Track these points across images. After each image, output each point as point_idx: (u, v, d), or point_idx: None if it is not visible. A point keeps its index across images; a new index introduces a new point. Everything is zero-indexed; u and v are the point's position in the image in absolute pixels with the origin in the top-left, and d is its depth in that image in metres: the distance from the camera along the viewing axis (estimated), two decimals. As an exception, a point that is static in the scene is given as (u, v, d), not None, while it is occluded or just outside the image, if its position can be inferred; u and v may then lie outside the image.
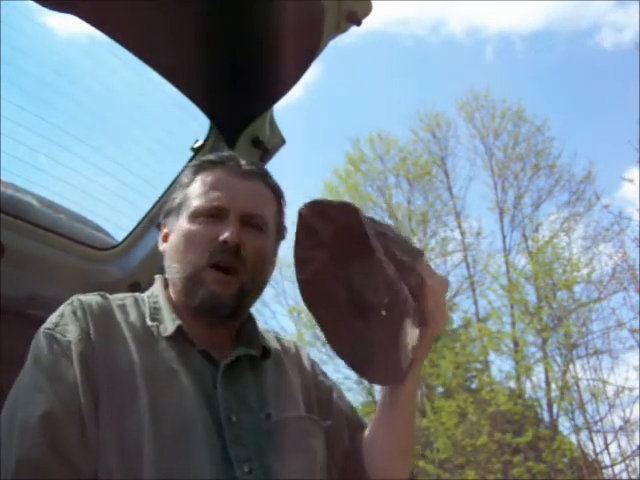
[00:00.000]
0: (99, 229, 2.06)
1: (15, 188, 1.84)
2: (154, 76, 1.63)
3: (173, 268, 1.17)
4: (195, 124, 1.84)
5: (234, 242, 1.11)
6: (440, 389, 14.22)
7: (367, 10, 1.58)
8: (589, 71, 19.31)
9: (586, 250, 12.81)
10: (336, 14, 1.55)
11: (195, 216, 1.16)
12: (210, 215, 1.15)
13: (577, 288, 12.29)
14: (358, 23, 1.60)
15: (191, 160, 1.89)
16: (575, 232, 13.54)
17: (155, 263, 1.96)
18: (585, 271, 12.30)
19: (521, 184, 14.59)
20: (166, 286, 1.21)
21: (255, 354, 1.18)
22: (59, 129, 1.83)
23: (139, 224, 1.98)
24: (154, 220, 1.95)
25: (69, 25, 1.57)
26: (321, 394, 1.28)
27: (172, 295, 1.19)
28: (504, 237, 14.42)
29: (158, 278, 1.24)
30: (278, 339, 1.31)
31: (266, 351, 1.20)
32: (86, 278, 1.89)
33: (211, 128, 1.84)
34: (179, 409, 1.03)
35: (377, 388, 15.12)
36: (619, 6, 17.73)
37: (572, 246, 13.12)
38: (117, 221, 2.07)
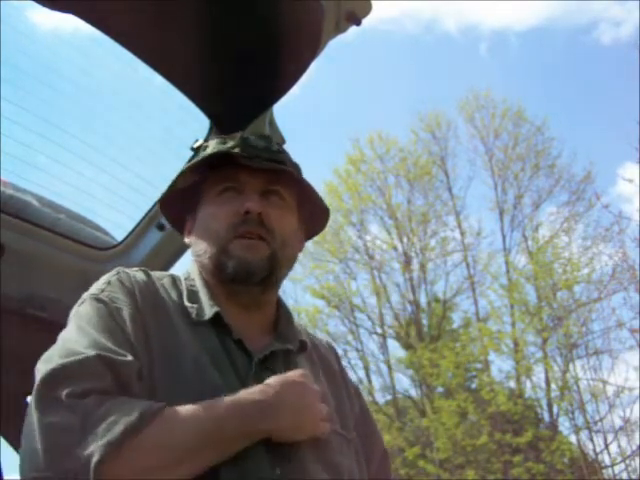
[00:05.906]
0: (99, 229, 2.06)
1: (15, 188, 1.84)
2: (154, 76, 1.63)
3: (200, 250, 1.15)
4: (195, 124, 1.84)
5: (255, 211, 1.11)
6: (440, 389, 14.22)
7: (367, 10, 1.58)
8: (587, 67, 19.35)
9: (586, 250, 12.83)
10: (336, 14, 1.55)
11: (215, 196, 1.16)
12: (229, 191, 1.15)
13: (577, 288, 12.31)
14: (358, 23, 1.60)
15: (191, 160, 1.89)
16: (575, 232, 13.56)
17: (155, 263, 1.97)
18: (585, 271, 12.32)
19: (521, 184, 14.61)
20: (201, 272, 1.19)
21: (292, 348, 1.14)
22: (59, 129, 1.83)
23: (139, 224, 1.98)
24: (154, 220, 1.95)
25: (67, 24, 1.57)
26: (356, 410, 1.24)
27: (207, 280, 1.16)
28: (504, 237, 14.44)
29: (194, 262, 1.21)
30: (308, 334, 1.26)
31: (303, 345, 1.17)
32: (86, 278, 1.88)
33: (211, 128, 1.84)
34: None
35: (377, 387, 15.11)
36: (617, 1, 17.74)
37: (572, 246, 13.14)
38: (117, 221, 2.07)
